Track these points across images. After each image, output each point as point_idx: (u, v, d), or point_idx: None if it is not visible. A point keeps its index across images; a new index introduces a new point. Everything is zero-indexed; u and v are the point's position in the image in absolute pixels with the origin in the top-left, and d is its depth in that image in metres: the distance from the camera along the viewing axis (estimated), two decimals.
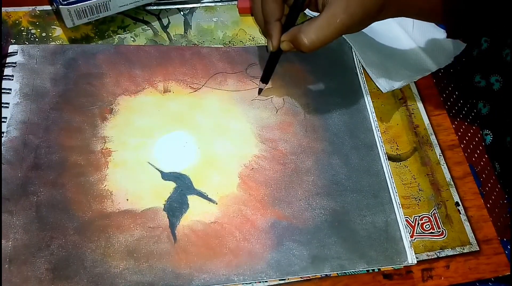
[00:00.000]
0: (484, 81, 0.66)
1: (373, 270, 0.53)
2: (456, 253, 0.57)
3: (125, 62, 0.60)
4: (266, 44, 0.56)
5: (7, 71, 0.57)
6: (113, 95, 0.58)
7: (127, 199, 0.52)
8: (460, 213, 0.59)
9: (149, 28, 0.65)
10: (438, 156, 0.62)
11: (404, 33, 0.68)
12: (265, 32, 0.55)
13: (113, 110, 0.57)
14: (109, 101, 0.57)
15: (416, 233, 0.57)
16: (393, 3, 0.52)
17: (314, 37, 0.50)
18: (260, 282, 0.51)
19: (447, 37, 0.56)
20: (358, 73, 0.64)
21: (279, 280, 0.52)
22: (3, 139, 0.53)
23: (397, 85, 0.65)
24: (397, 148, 0.62)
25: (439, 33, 0.68)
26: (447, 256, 0.56)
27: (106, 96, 0.58)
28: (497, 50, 0.65)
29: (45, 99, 0.56)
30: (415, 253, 0.54)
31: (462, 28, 0.56)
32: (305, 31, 0.50)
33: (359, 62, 0.65)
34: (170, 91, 0.59)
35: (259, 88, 0.60)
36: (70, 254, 0.49)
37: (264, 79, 0.59)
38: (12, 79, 0.57)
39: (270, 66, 0.58)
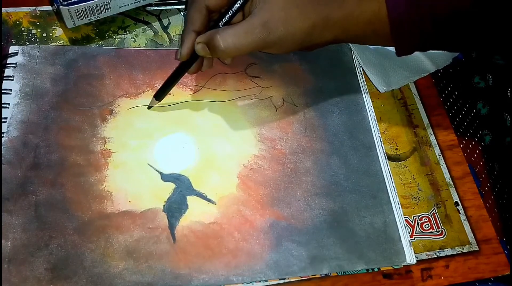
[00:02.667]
0: (483, 82, 0.66)
1: (372, 269, 0.53)
2: (455, 252, 0.57)
3: (125, 65, 0.60)
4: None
5: (8, 71, 0.57)
6: (113, 96, 0.58)
7: (129, 201, 0.52)
8: (460, 213, 0.59)
9: (150, 28, 0.65)
10: (438, 156, 0.62)
11: None
12: (181, 39, 0.54)
13: (113, 111, 0.57)
14: (109, 102, 0.58)
15: (416, 233, 0.57)
16: (327, 29, 0.51)
17: (230, 42, 0.50)
18: (259, 282, 0.51)
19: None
20: (358, 74, 0.64)
21: (279, 279, 0.52)
22: (3, 139, 0.53)
23: (395, 85, 0.65)
24: (396, 148, 0.62)
25: None
26: (446, 256, 0.56)
27: (106, 97, 0.58)
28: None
29: (44, 99, 0.56)
30: (415, 253, 0.54)
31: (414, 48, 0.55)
32: (222, 34, 0.50)
33: (358, 62, 0.65)
34: (170, 94, 0.59)
35: (149, 105, 0.58)
36: (69, 254, 0.49)
37: (158, 96, 0.57)
38: (13, 80, 0.57)
39: (171, 80, 0.56)
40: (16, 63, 0.58)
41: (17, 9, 0.63)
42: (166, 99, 0.58)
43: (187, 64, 0.55)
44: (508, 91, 0.61)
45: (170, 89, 0.57)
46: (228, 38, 0.50)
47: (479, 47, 0.59)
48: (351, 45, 0.66)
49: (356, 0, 0.51)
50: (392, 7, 0.50)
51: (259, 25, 0.49)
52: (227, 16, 0.52)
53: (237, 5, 0.52)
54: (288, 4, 0.49)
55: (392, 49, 0.54)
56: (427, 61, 0.66)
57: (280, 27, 0.49)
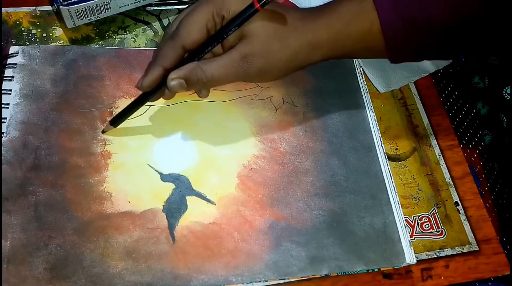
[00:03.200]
0: (483, 83, 0.66)
1: (372, 270, 0.53)
2: (455, 252, 0.57)
3: (125, 65, 0.60)
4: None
5: (8, 72, 0.57)
6: (113, 97, 0.58)
7: (129, 202, 0.53)
8: (460, 213, 0.59)
9: (150, 28, 0.65)
10: (438, 156, 0.62)
11: None
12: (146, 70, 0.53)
13: (114, 113, 0.57)
14: (109, 103, 0.58)
15: (416, 233, 0.57)
16: (314, 51, 0.52)
17: (215, 75, 0.50)
18: (259, 282, 0.51)
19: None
20: (358, 74, 0.64)
21: (279, 279, 0.52)
22: (2, 139, 0.53)
23: (394, 85, 0.65)
24: (396, 148, 0.62)
25: None
26: (446, 256, 0.56)
27: (106, 99, 0.58)
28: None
29: (45, 100, 0.56)
30: (415, 253, 0.54)
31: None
32: (204, 67, 0.50)
33: (358, 62, 0.65)
34: None
35: (103, 130, 0.56)
36: (68, 254, 0.49)
37: (114, 122, 0.55)
38: (13, 80, 0.57)
39: (130, 108, 0.54)
40: (16, 64, 0.58)
41: (17, 9, 0.63)
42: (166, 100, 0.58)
43: (149, 95, 0.53)
44: (504, 92, 0.61)
45: (128, 117, 0.55)
46: (211, 71, 0.50)
47: (475, 53, 0.59)
48: None
49: (345, 21, 0.51)
50: (387, 25, 0.50)
51: (238, 59, 0.50)
52: (201, 55, 0.51)
53: (211, 47, 0.51)
54: (269, 37, 0.50)
55: None
56: (427, 61, 0.66)
57: (260, 60, 0.50)
